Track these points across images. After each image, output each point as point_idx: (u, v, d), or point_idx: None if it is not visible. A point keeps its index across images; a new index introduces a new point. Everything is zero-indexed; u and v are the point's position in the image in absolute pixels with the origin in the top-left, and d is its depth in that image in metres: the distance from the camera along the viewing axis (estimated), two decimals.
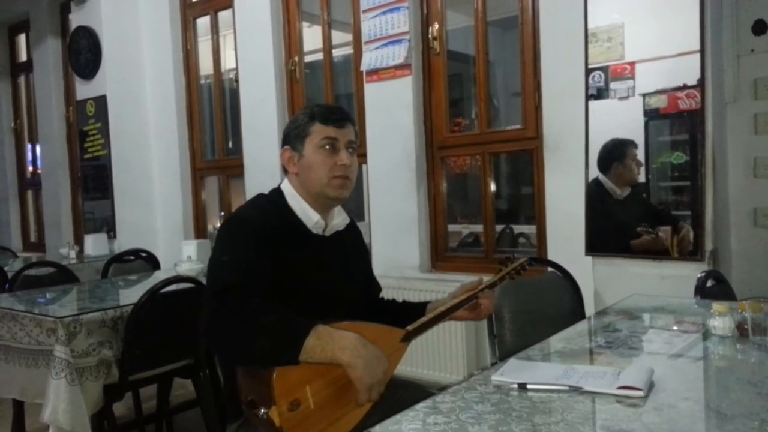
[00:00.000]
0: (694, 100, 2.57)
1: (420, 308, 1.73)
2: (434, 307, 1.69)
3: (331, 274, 1.63)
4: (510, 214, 4.68)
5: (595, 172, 2.82)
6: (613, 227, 2.82)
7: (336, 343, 1.36)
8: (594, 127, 2.82)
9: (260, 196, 1.71)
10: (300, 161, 1.62)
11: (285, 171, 1.69)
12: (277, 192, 1.68)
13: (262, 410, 1.31)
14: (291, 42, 4.26)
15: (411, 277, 3.52)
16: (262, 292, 1.43)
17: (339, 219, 1.70)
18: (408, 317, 1.62)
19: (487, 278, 1.75)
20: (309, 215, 1.63)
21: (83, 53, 5.06)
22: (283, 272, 1.51)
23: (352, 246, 1.77)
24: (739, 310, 1.60)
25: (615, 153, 2.77)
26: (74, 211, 5.80)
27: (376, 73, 3.69)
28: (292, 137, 1.64)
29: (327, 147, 1.60)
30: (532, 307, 2.21)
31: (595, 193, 2.82)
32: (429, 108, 3.62)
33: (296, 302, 1.50)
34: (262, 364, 1.34)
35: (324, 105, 1.71)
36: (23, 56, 6.60)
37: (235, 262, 1.47)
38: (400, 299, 1.91)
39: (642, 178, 2.73)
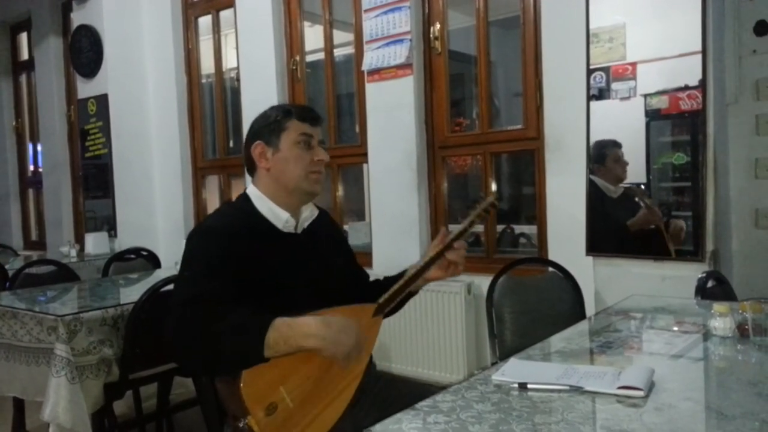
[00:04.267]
0: (695, 100, 2.57)
1: (399, 278, 1.69)
2: (408, 273, 1.65)
3: (308, 270, 1.61)
4: (511, 214, 4.68)
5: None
6: (613, 227, 2.82)
7: (297, 331, 1.36)
8: (595, 127, 2.82)
9: (227, 204, 1.72)
10: (275, 155, 1.61)
11: (250, 171, 1.68)
12: (243, 197, 1.66)
13: (242, 422, 1.32)
14: (292, 41, 4.26)
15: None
16: (224, 301, 1.42)
17: (307, 212, 1.68)
18: (387, 289, 1.61)
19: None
20: (278, 215, 1.61)
21: (85, 52, 5.06)
22: (258, 275, 1.50)
23: (326, 237, 1.74)
24: (740, 311, 1.60)
25: (596, 156, 2.79)
26: (75, 210, 5.81)
27: (377, 72, 3.69)
28: (265, 132, 1.63)
29: (303, 143, 1.61)
30: (533, 307, 2.22)
31: (592, 193, 2.83)
32: (430, 108, 3.62)
33: (277, 302, 1.48)
34: (233, 369, 1.34)
35: (295, 103, 1.70)
36: (25, 55, 6.60)
37: (194, 277, 1.47)
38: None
39: (643, 179, 2.73)
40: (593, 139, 2.82)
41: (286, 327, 1.36)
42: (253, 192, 1.65)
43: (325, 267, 1.67)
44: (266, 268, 1.53)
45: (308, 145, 1.62)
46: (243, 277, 1.47)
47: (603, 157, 2.79)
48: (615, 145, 2.76)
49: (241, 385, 1.31)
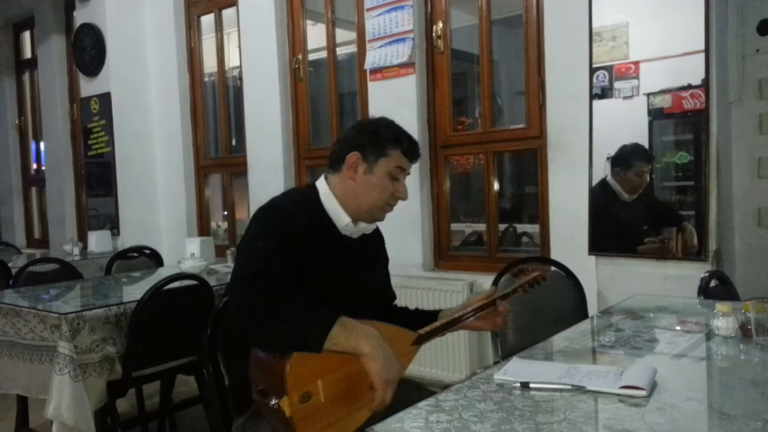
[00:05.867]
0: (698, 99, 2.57)
1: (432, 316, 1.75)
2: (446, 315, 1.71)
3: (354, 274, 1.65)
4: (513, 213, 4.67)
5: (600, 171, 2.81)
6: (617, 227, 2.82)
7: (360, 332, 1.38)
8: (598, 126, 2.82)
9: (294, 190, 1.74)
10: (365, 176, 1.62)
11: (333, 165, 1.67)
12: (312, 188, 1.68)
13: (273, 400, 1.32)
14: (295, 40, 4.26)
15: (414, 275, 3.52)
16: (288, 282, 1.45)
17: (365, 224, 1.71)
18: (419, 324, 1.64)
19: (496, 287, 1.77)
20: (341, 217, 1.64)
21: (87, 50, 5.07)
22: (309, 267, 1.52)
23: (375, 250, 1.79)
24: (743, 311, 1.60)
25: (621, 159, 2.77)
26: (78, 208, 5.82)
27: (379, 71, 3.69)
28: (367, 147, 1.62)
29: (394, 175, 1.63)
30: (535, 306, 2.21)
31: (600, 193, 2.82)
32: (433, 107, 3.62)
33: (317, 297, 1.50)
34: (287, 350, 1.35)
35: (408, 133, 1.70)
36: (28, 53, 6.61)
37: (265, 250, 1.48)
38: (403, 298, 1.91)
39: (644, 185, 2.73)
40: (601, 138, 2.80)
41: (350, 324, 1.39)
42: (323, 188, 1.66)
43: (368, 276, 1.71)
44: (319, 263, 1.55)
45: (396, 178, 1.64)
46: (297, 265, 1.49)
47: (628, 166, 2.75)
48: (644, 158, 2.71)
49: (288, 366, 1.32)
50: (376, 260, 1.78)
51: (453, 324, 1.66)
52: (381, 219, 1.70)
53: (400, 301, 1.89)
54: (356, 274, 1.66)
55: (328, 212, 1.64)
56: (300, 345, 1.35)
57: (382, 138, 1.63)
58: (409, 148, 1.66)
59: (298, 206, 1.62)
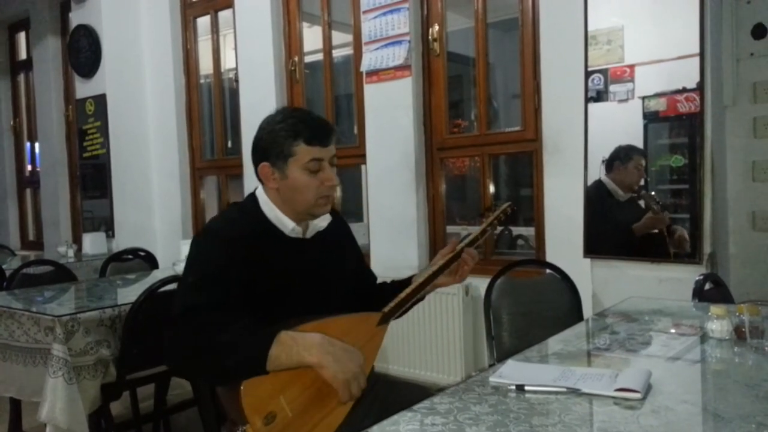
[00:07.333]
0: (693, 103, 2.58)
1: (406, 284, 1.67)
2: (417, 279, 1.64)
3: (314, 276, 1.59)
4: (508, 215, 4.68)
5: (595, 174, 2.82)
6: (612, 228, 2.83)
7: (300, 345, 1.34)
8: (593, 129, 2.83)
9: (233, 205, 1.66)
10: (283, 182, 1.54)
11: (259, 181, 1.61)
12: (252, 198, 1.62)
13: (240, 429, 1.31)
14: (291, 42, 4.26)
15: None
16: (227, 308, 1.40)
17: (317, 220, 1.63)
18: (395, 295, 1.59)
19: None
20: (284, 223, 1.57)
21: (83, 52, 5.06)
22: (262, 279, 1.48)
23: (337, 242, 1.70)
24: (737, 313, 1.60)
25: (621, 154, 2.78)
26: (73, 210, 5.80)
27: (376, 74, 3.69)
28: (272, 155, 1.53)
29: (311, 169, 1.52)
30: (531, 309, 2.22)
31: (595, 193, 2.83)
32: (429, 109, 3.62)
33: (279, 306, 1.48)
34: (232, 380, 1.34)
35: (306, 120, 1.56)
36: (23, 54, 6.59)
37: (196, 283, 1.44)
38: None
39: (641, 181, 2.74)
40: (597, 141, 2.81)
41: (290, 340, 1.34)
42: (262, 196, 1.60)
43: (333, 271, 1.64)
44: (272, 273, 1.51)
45: (318, 169, 1.53)
46: (248, 282, 1.45)
47: (628, 159, 2.75)
48: (641, 153, 2.72)
49: (241, 392, 1.31)
50: (338, 252, 1.69)
51: (420, 289, 1.60)
52: (325, 212, 1.60)
53: None
54: (316, 275, 1.59)
55: (271, 220, 1.57)
56: (243, 374, 1.32)
57: (280, 138, 1.51)
58: (312, 135, 1.51)
59: (236, 222, 1.55)
